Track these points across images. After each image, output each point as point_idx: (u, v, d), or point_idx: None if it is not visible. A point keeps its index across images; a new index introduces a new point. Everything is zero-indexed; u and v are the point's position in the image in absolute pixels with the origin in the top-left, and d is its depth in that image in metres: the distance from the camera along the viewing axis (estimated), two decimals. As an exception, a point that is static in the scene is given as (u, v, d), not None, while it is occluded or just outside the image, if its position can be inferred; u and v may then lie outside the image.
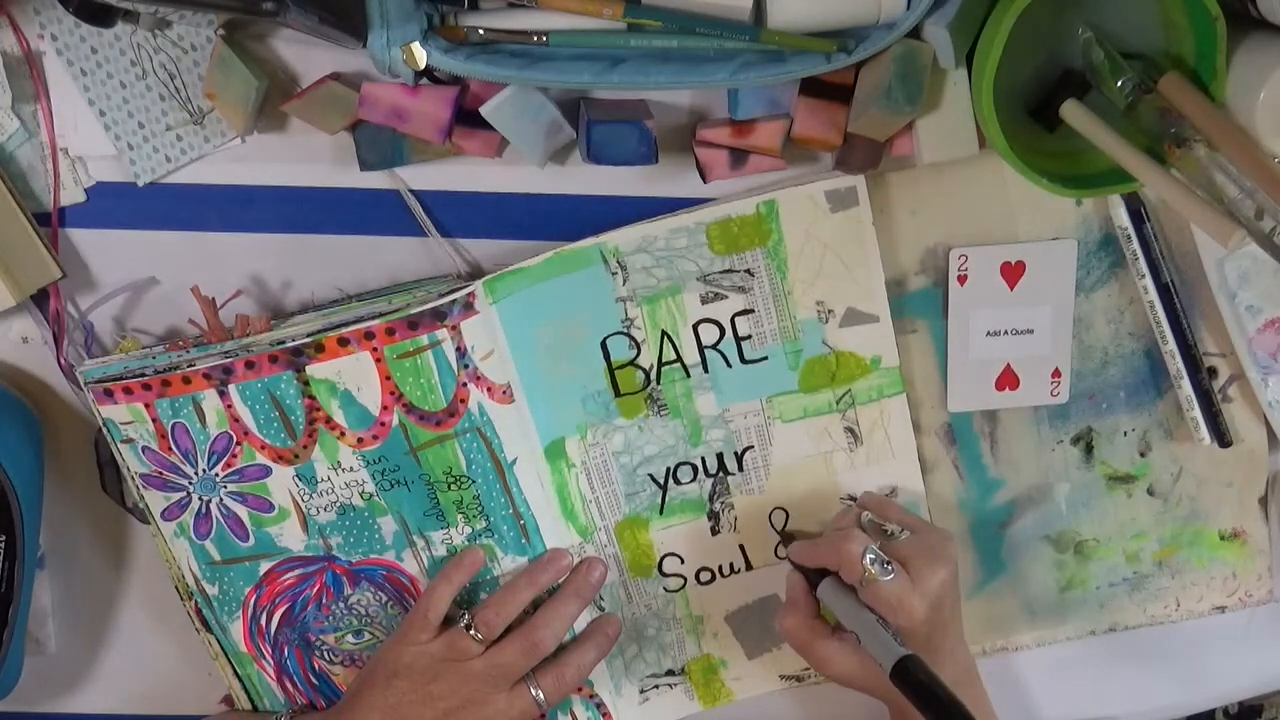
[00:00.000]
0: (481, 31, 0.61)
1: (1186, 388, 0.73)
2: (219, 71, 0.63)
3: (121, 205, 0.68)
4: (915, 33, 0.62)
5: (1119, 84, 0.63)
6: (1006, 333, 0.72)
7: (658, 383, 0.71)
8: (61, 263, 0.68)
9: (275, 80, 0.66)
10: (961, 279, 0.71)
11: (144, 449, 0.67)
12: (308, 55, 0.66)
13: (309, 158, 0.68)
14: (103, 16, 0.60)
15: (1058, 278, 0.72)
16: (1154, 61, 0.65)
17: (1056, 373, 0.73)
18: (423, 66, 0.59)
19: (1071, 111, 0.64)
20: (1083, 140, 0.65)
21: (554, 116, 0.64)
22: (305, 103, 0.64)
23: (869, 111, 0.63)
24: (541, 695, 0.68)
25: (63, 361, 0.69)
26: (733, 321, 0.71)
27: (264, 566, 0.70)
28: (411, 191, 0.68)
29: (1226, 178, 0.61)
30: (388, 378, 0.65)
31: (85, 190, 0.67)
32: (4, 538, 0.69)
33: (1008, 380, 0.73)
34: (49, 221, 0.67)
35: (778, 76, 0.61)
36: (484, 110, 0.64)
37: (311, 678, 0.73)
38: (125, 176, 0.67)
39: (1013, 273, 0.71)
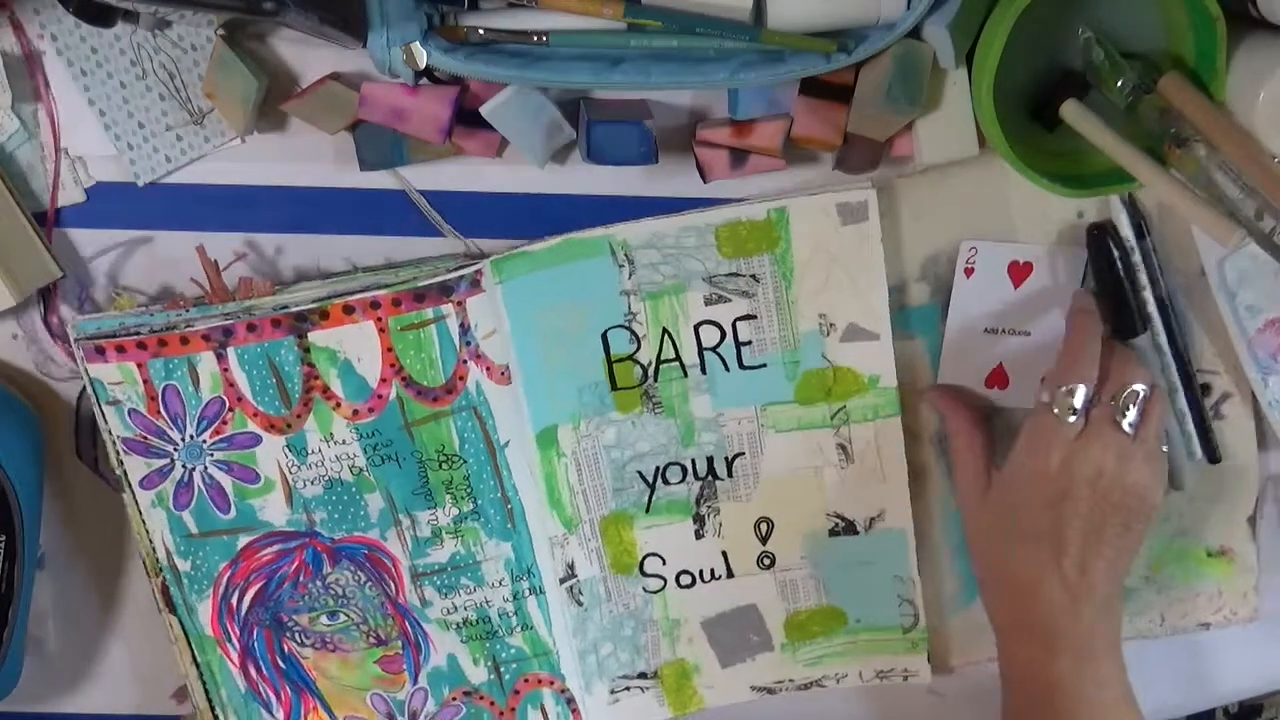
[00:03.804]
0: (481, 31, 0.61)
1: (1180, 402, 0.73)
2: (219, 71, 0.63)
3: (121, 205, 0.68)
4: (915, 33, 0.62)
5: (1119, 84, 0.63)
6: (1004, 331, 0.72)
7: (655, 380, 0.71)
8: (61, 262, 0.68)
9: (275, 80, 0.66)
10: (968, 271, 0.71)
11: (130, 411, 0.66)
12: (308, 55, 0.66)
13: (309, 158, 0.68)
14: (103, 16, 0.60)
15: (1063, 283, 0.71)
16: (1154, 61, 0.65)
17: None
18: (423, 66, 0.59)
19: (1071, 111, 0.64)
20: (1083, 140, 0.65)
21: (554, 116, 0.64)
22: (305, 103, 0.64)
23: (869, 111, 0.63)
24: None
25: (54, 320, 0.68)
26: (734, 325, 0.70)
27: (242, 541, 0.69)
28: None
29: (1226, 178, 0.61)
30: (389, 349, 0.65)
31: (85, 190, 0.67)
32: (4, 538, 0.69)
33: (997, 379, 0.73)
34: (49, 221, 0.67)
35: (777, 76, 0.61)
36: (484, 110, 0.64)
37: (279, 661, 0.72)
38: (125, 176, 0.67)
39: (1019, 272, 0.71)
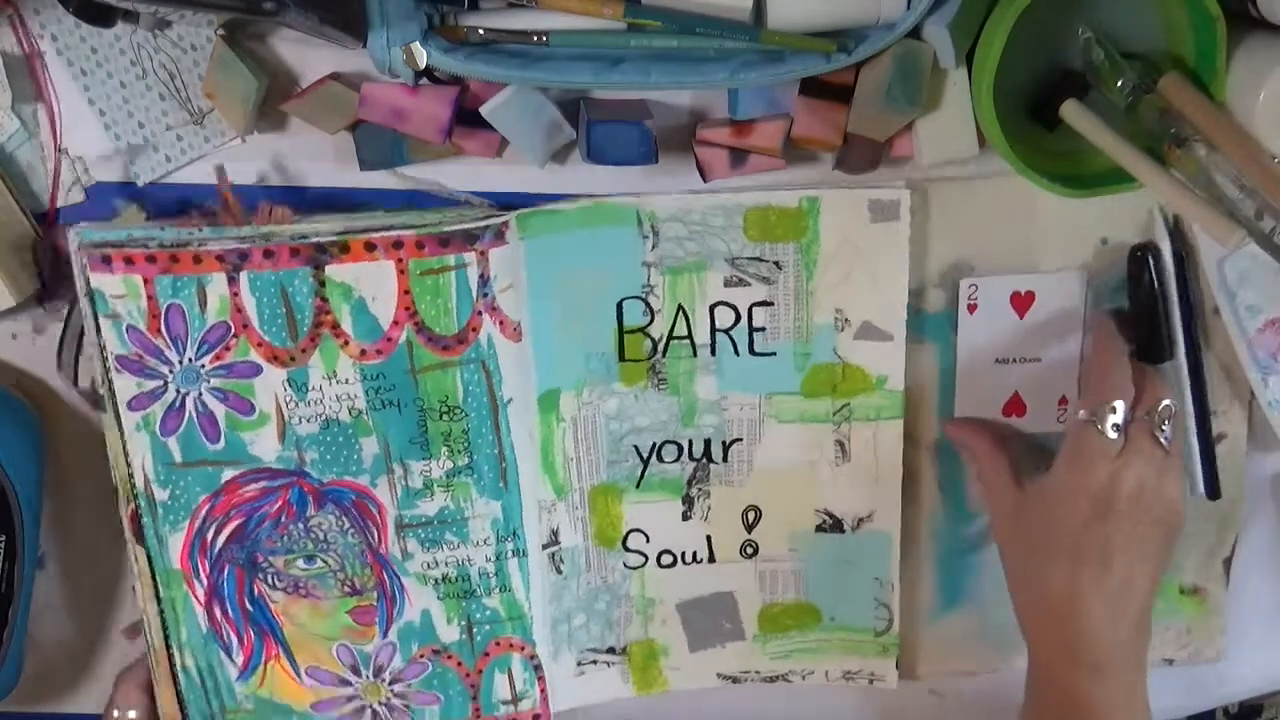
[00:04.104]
0: (481, 31, 0.61)
1: (1192, 434, 0.72)
2: (219, 71, 0.63)
3: (122, 205, 0.68)
4: (915, 33, 0.62)
5: (1119, 84, 0.63)
6: (1015, 360, 0.72)
7: (663, 355, 0.71)
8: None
9: (275, 80, 0.66)
10: (971, 308, 0.71)
11: (128, 328, 0.65)
12: (308, 55, 0.66)
13: (309, 157, 0.68)
14: (103, 17, 0.60)
15: (1067, 308, 0.71)
16: (1154, 61, 0.65)
17: (1063, 400, 0.73)
18: (423, 66, 0.59)
19: (1071, 111, 0.64)
20: (1083, 140, 0.65)
21: (554, 116, 0.64)
22: (305, 102, 0.64)
23: (869, 111, 0.63)
24: None
25: (56, 231, 0.65)
26: (750, 310, 0.70)
27: (227, 474, 0.68)
28: (415, 191, 0.68)
29: (1226, 178, 0.61)
30: (406, 292, 0.65)
31: (85, 190, 0.67)
32: (4, 538, 0.69)
33: (1015, 407, 0.73)
34: (48, 221, 0.67)
35: (777, 76, 0.61)
36: (484, 110, 0.64)
37: (247, 603, 0.71)
38: (125, 176, 0.67)
39: (1022, 302, 0.71)
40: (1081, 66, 0.65)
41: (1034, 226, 0.70)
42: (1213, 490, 0.73)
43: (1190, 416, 0.72)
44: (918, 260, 0.70)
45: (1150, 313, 0.70)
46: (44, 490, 0.72)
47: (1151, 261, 0.69)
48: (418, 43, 0.59)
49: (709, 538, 0.75)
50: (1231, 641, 0.80)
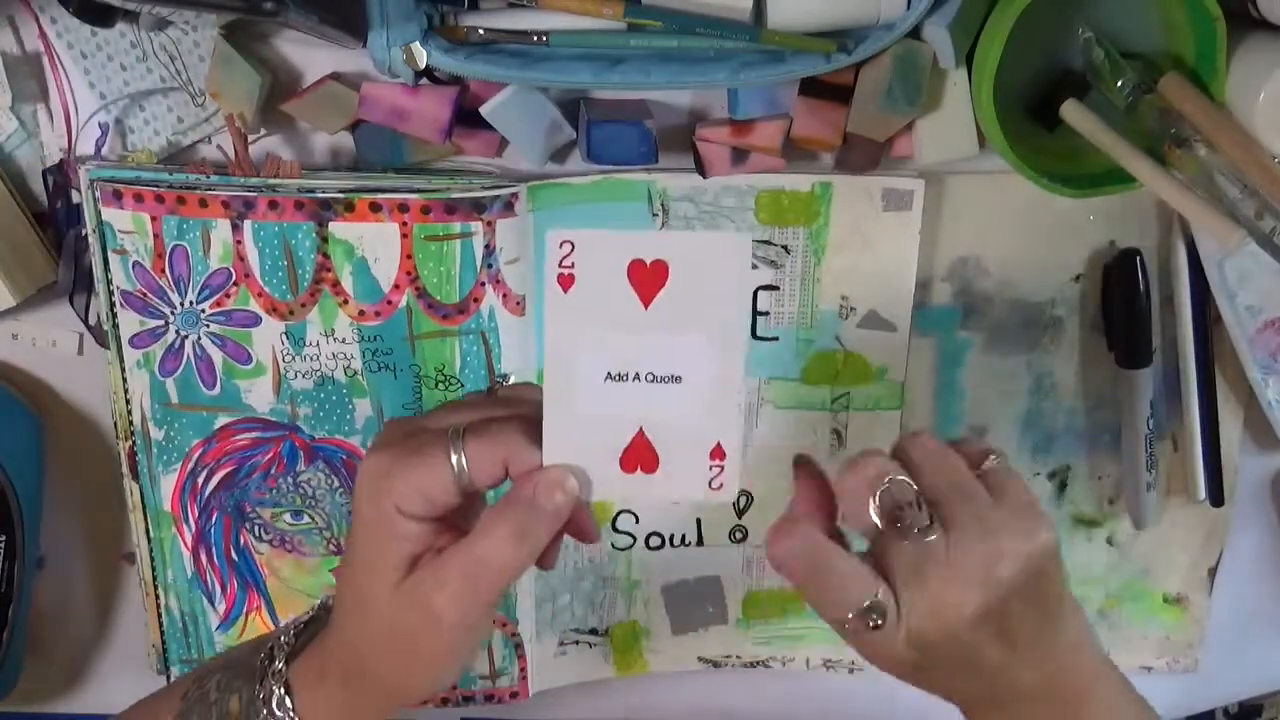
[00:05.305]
0: (481, 31, 0.61)
1: (1196, 439, 0.72)
2: (222, 69, 0.63)
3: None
4: (915, 33, 0.61)
5: (1119, 84, 0.63)
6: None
7: None
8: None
9: (276, 80, 0.66)
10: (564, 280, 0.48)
11: (134, 264, 0.65)
12: (308, 55, 0.66)
13: (309, 157, 0.68)
14: (103, 17, 0.60)
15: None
16: (1154, 61, 0.65)
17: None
18: (423, 66, 0.59)
19: (1071, 111, 0.64)
20: (1083, 140, 0.65)
21: (554, 116, 0.64)
22: (305, 102, 0.64)
23: (869, 111, 0.63)
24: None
25: (69, 160, 0.65)
26: (755, 294, 0.70)
27: (221, 421, 0.69)
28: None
29: (1226, 178, 0.61)
30: (409, 256, 0.65)
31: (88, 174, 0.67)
32: (4, 538, 0.69)
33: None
34: (49, 221, 0.67)
35: (778, 76, 0.61)
36: (484, 110, 0.64)
37: (232, 552, 0.72)
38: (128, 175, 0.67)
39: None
40: (1081, 66, 0.65)
41: (1048, 226, 0.70)
42: (1217, 498, 0.74)
43: (1196, 422, 0.72)
44: (927, 252, 0.70)
45: (1139, 318, 0.70)
46: (44, 490, 0.72)
47: (1139, 265, 0.70)
48: (418, 43, 0.59)
49: (698, 521, 0.75)
50: (1233, 640, 0.80)
